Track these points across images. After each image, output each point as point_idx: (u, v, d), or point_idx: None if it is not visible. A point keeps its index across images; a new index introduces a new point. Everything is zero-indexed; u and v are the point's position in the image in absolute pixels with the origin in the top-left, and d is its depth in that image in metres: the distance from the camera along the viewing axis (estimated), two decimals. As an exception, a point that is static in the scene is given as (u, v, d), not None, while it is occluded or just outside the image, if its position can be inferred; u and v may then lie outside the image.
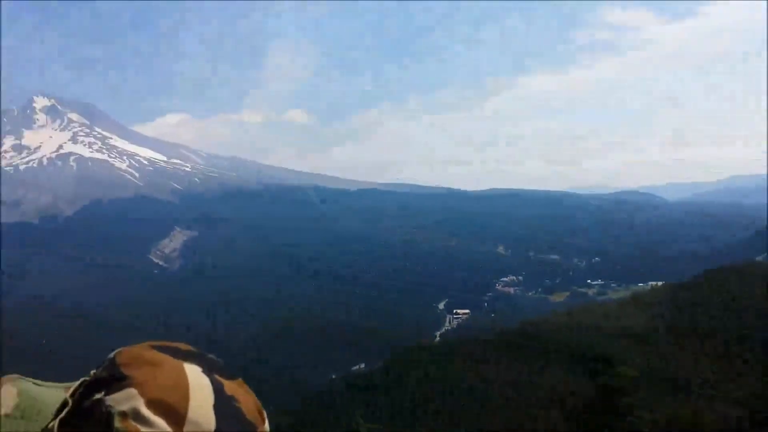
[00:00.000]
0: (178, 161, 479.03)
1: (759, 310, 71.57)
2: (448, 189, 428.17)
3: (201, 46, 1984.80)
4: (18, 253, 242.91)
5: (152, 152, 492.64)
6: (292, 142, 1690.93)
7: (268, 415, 1.78)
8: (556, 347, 70.71)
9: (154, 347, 1.80)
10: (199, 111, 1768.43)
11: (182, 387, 1.67)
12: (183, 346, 1.86)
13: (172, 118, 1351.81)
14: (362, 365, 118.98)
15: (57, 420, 1.68)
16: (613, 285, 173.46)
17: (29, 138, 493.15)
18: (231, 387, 1.75)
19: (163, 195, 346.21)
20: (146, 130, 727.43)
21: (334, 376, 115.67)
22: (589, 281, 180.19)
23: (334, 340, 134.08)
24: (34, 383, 1.92)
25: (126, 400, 1.64)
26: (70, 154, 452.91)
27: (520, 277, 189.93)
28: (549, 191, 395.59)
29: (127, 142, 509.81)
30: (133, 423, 1.64)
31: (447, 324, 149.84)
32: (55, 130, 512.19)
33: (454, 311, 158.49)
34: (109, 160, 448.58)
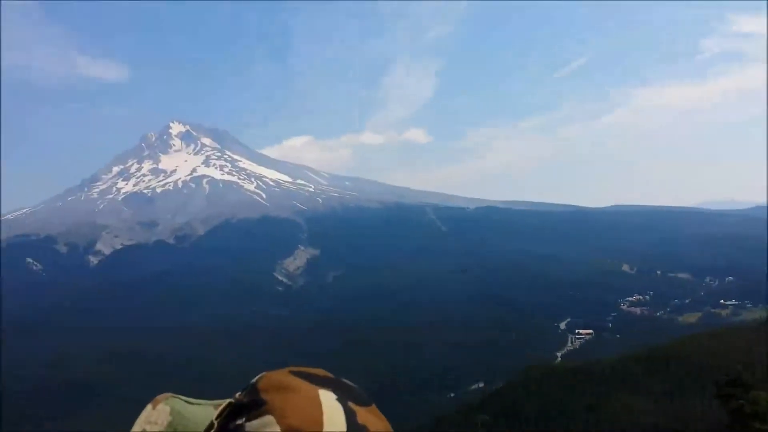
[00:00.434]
0: (302, 182, 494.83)
1: None
2: (569, 206, 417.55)
3: (325, 69, 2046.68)
4: (155, 271, 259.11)
5: (278, 174, 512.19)
6: (410, 161, 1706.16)
7: (400, 438, 2.80)
8: (687, 370, 67.20)
9: (293, 372, 1.89)
10: (323, 133, 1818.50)
11: (316, 414, 1.74)
12: (320, 372, 1.93)
13: (297, 141, 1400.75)
14: (481, 384, 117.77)
15: None
16: (748, 305, 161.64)
17: (165, 162, 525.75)
18: (363, 415, 1.83)
19: (287, 215, 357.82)
20: (273, 152, 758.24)
21: (452, 395, 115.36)
22: (722, 301, 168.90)
23: (452, 358, 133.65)
24: (186, 401, 2.03)
25: (263, 426, 1.76)
26: (203, 176, 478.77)
27: (647, 297, 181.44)
28: (676, 207, 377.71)
29: (255, 164, 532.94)
30: None
31: (569, 344, 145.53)
32: (189, 154, 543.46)
33: (577, 331, 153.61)
34: (239, 181, 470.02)
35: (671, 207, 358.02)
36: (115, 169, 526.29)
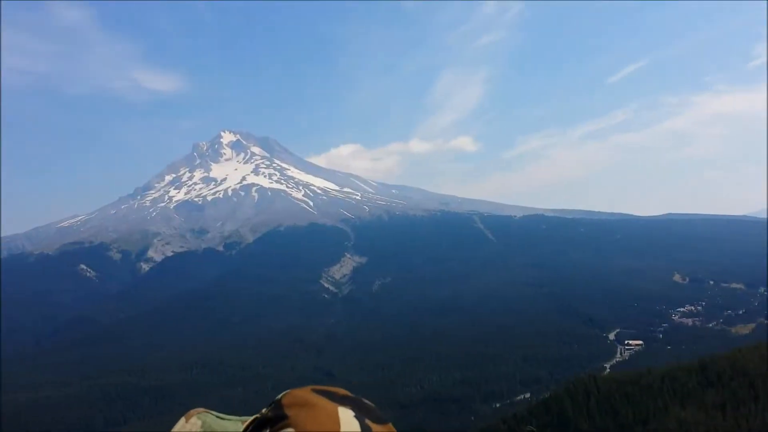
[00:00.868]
0: (349, 190, 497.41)
1: None
2: (620, 214, 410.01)
3: (373, 77, 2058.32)
4: (204, 278, 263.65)
5: (325, 182, 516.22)
6: (457, 169, 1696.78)
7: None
8: (740, 382, 65.18)
9: (314, 390, 2.04)
10: (371, 141, 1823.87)
11: (334, 429, 1.87)
12: (341, 390, 2.11)
13: (344, 149, 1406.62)
14: (527, 395, 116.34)
15: None
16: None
17: (216, 171, 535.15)
18: (378, 431, 1.95)
19: (334, 222, 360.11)
20: (320, 160, 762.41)
21: (498, 405, 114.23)
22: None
23: (497, 368, 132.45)
24: (217, 416, 2.19)
25: None
26: (252, 184, 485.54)
27: (699, 307, 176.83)
28: (730, 216, 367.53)
29: (302, 172, 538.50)
30: None
31: (618, 355, 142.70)
32: (239, 162, 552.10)
33: (626, 342, 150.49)
34: (287, 189, 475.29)
35: (725, 215, 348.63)
36: (168, 178, 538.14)
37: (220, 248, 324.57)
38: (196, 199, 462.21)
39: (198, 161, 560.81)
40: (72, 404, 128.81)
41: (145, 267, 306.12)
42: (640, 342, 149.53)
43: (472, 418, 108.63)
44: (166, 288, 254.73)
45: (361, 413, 2.01)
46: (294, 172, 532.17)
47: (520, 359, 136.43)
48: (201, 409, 2.30)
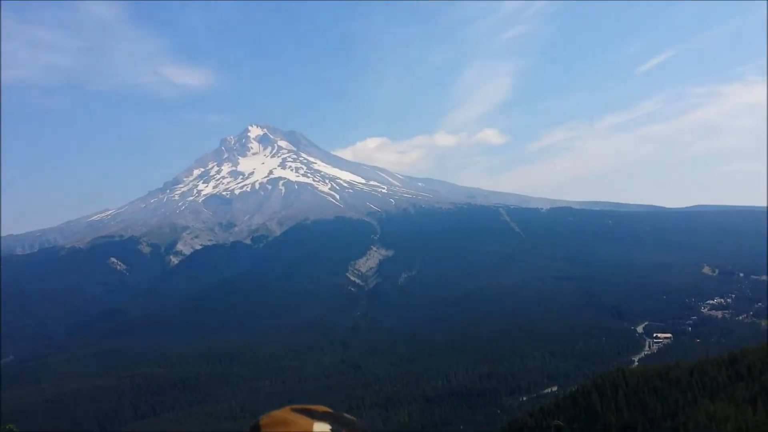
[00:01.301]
0: (376, 183, 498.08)
1: None
2: (649, 206, 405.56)
3: (399, 70, 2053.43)
4: (232, 271, 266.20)
5: (352, 175, 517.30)
6: (483, 162, 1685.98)
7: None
8: (769, 379, 64.19)
9: (294, 410, 2.15)
10: (397, 134, 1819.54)
11: None
12: (321, 408, 2.19)
13: (370, 142, 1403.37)
14: (554, 388, 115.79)
15: None
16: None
17: (244, 164, 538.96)
18: None
19: (360, 216, 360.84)
20: (346, 154, 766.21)
21: (524, 398, 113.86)
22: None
23: (524, 361, 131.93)
24: None
25: None
26: (279, 178, 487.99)
27: (729, 300, 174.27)
28: (758, 207, 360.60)
29: (329, 166, 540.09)
30: None
31: (646, 348, 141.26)
32: (267, 156, 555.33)
33: (655, 335, 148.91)
34: (313, 183, 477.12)
35: (755, 207, 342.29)
36: (196, 172, 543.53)
37: (248, 241, 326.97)
38: (224, 193, 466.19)
39: (226, 155, 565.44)
40: (102, 396, 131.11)
41: (175, 260, 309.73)
42: (669, 335, 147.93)
43: (499, 411, 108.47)
44: (194, 281, 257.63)
45: (339, 427, 2.06)
46: (320, 165, 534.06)
47: (548, 353, 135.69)
48: None
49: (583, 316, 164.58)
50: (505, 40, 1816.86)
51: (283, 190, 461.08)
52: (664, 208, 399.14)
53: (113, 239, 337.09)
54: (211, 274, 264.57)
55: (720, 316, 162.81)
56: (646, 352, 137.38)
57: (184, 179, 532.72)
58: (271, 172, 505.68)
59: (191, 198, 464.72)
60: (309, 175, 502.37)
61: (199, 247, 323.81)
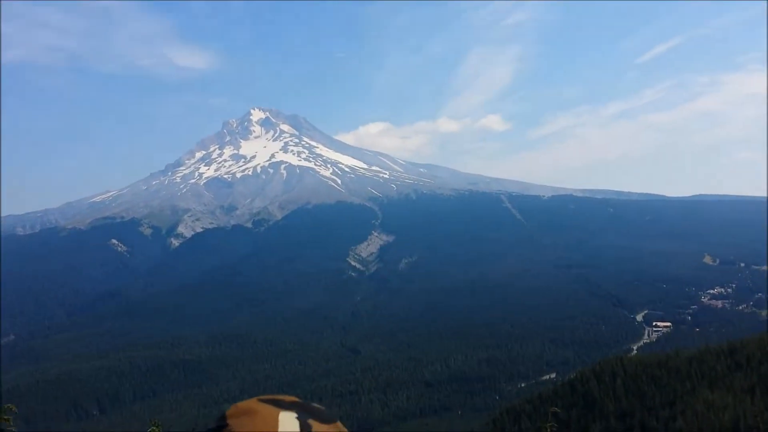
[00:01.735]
0: (378, 168, 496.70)
1: None
2: (650, 195, 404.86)
3: (402, 56, 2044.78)
4: (233, 254, 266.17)
5: (354, 160, 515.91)
6: (485, 148, 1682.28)
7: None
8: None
9: (261, 400, 2.16)
10: (400, 119, 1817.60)
11: (271, 430, 2.03)
12: (288, 398, 2.20)
13: (373, 127, 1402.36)
14: (552, 375, 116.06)
15: None
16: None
17: (246, 148, 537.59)
18: (319, 429, 2.07)
19: (362, 201, 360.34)
20: (349, 138, 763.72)
21: (523, 384, 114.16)
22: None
23: (523, 347, 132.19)
24: None
25: None
26: (281, 162, 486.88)
27: (729, 290, 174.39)
28: (760, 197, 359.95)
29: (331, 150, 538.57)
30: None
31: (645, 337, 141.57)
32: (269, 140, 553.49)
33: (654, 324, 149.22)
34: (315, 167, 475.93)
35: (756, 197, 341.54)
36: (198, 155, 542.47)
37: (249, 225, 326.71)
38: (225, 176, 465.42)
39: (228, 138, 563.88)
40: (102, 377, 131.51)
41: (175, 243, 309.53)
42: (669, 324, 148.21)
43: (497, 397, 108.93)
44: (195, 264, 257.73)
45: (304, 415, 2.10)
46: (322, 149, 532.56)
47: (547, 340, 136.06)
48: None
49: (583, 303, 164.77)
50: (509, 26, 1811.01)
51: (285, 174, 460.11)
52: (666, 197, 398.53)
53: (114, 221, 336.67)
54: (211, 257, 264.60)
55: (720, 305, 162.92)
56: (645, 341, 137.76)
57: (186, 162, 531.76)
58: (272, 156, 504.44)
59: (193, 180, 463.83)
60: (311, 159, 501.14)
61: (200, 230, 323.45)
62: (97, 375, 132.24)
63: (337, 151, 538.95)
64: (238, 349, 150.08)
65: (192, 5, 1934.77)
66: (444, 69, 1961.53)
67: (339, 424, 2.08)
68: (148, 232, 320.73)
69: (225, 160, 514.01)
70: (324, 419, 2.09)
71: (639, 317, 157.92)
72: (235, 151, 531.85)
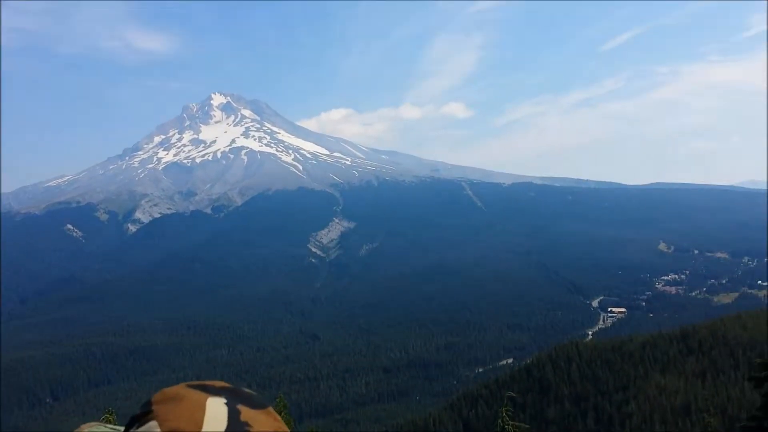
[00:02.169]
0: (340, 155, 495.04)
1: None
2: (608, 183, 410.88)
3: (365, 41, 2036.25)
4: (192, 240, 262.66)
5: (315, 146, 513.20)
6: (448, 135, 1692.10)
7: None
8: (721, 351, 65.46)
9: (188, 386, 2.13)
10: (362, 106, 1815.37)
11: (197, 416, 1.99)
12: (217, 383, 2.17)
13: (335, 113, 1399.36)
14: (509, 360, 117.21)
15: None
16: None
17: (206, 133, 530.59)
18: (249, 414, 2.05)
19: (323, 187, 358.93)
20: (311, 125, 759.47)
21: (481, 370, 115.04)
22: (759, 282, 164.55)
23: (480, 333, 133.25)
24: (113, 429, 2.41)
25: (148, 429, 2.03)
26: (242, 147, 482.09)
27: (683, 276, 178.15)
28: (716, 186, 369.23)
29: (293, 136, 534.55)
30: None
31: (601, 322, 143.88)
32: (229, 125, 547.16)
33: (609, 309, 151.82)
34: (276, 153, 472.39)
35: (712, 186, 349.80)
36: (157, 139, 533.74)
37: (208, 211, 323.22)
38: (185, 161, 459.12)
39: (188, 123, 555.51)
40: (57, 363, 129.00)
41: (132, 228, 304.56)
42: (623, 310, 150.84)
43: (455, 382, 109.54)
44: (152, 249, 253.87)
45: (233, 400, 2.08)
46: (284, 135, 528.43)
47: (504, 325, 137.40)
48: (93, 423, 2.41)
49: (541, 290, 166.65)
50: (473, 14, 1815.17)
51: (246, 160, 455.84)
52: (624, 185, 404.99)
53: (70, 206, 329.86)
54: (169, 243, 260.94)
55: (674, 291, 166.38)
56: (600, 326, 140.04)
57: (145, 146, 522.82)
58: (233, 141, 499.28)
59: (151, 165, 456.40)
60: (272, 145, 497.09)
61: (158, 216, 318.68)
62: (51, 362, 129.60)
63: (298, 137, 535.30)
64: (195, 336, 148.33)
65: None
66: (408, 56, 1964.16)
67: (271, 409, 2.09)
68: (104, 217, 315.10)
69: (184, 145, 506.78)
70: (255, 405, 2.09)
71: (595, 303, 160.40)
72: (195, 136, 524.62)
